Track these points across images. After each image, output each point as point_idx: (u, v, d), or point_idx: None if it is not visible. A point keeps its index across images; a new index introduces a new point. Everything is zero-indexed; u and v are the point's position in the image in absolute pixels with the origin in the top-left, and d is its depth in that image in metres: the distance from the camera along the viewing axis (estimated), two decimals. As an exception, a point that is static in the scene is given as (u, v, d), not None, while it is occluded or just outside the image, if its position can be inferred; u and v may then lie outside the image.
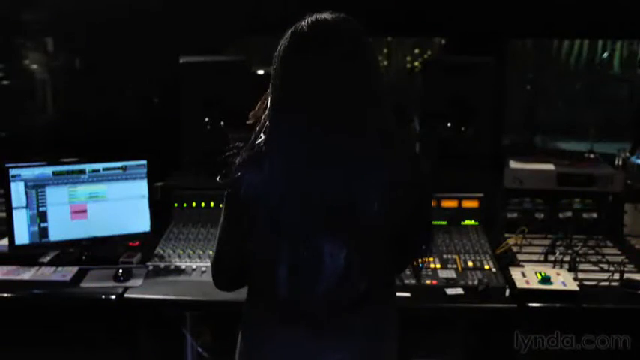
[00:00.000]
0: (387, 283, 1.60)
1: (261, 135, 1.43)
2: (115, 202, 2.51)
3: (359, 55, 1.38)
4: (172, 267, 2.40)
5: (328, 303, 1.42)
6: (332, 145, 1.34)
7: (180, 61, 2.84)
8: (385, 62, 4.70)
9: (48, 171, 2.43)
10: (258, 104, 1.51)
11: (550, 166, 2.77)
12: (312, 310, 1.43)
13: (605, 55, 4.42)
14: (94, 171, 2.49)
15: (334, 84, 1.35)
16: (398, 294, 2.11)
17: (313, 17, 1.39)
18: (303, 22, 1.39)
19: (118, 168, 2.52)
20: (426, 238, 1.55)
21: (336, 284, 1.38)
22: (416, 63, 4.52)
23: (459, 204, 2.72)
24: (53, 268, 2.38)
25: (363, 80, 1.38)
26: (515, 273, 2.26)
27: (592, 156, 2.90)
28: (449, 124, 2.84)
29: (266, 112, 1.46)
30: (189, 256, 2.47)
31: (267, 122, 1.42)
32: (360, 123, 1.36)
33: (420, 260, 1.58)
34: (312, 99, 1.35)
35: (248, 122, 1.55)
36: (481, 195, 2.73)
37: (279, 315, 1.47)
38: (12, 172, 2.39)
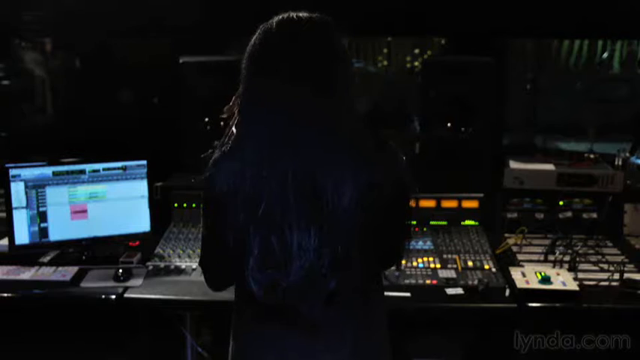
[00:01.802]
0: (369, 282, 1.57)
1: (233, 130, 1.44)
2: (115, 202, 2.51)
3: (326, 53, 1.40)
4: (172, 267, 2.40)
5: (303, 298, 1.40)
6: (300, 137, 1.35)
7: (180, 61, 2.84)
8: (385, 62, 4.70)
9: (48, 171, 2.43)
10: (233, 99, 1.52)
11: (550, 166, 2.77)
12: (286, 305, 1.42)
13: (605, 55, 4.42)
14: (94, 171, 2.49)
15: (300, 80, 1.36)
16: (398, 294, 2.12)
17: (284, 15, 1.42)
18: (272, 20, 1.43)
19: (118, 168, 2.52)
20: (402, 238, 1.55)
21: (306, 277, 1.37)
22: (416, 63, 4.51)
23: (459, 204, 2.73)
24: (53, 268, 2.38)
25: (328, 77, 1.39)
26: (515, 273, 2.26)
27: (592, 156, 2.90)
28: (449, 124, 2.84)
29: (237, 109, 1.48)
30: (189, 256, 2.47)
31: (238, 117, 1.45)
32: (327, 118, 1.37)
33: (396, 263, 1.58)
34: (278, 94, 1.36)
35: (222, 116, 1.55)
36: (481, 195, 2.73)
37: (258, 312, 1.47)
38: (12, 172, 2.39)
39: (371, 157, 1.41)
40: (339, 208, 1.35)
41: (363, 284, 1.52)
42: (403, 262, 1.57)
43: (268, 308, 1.44)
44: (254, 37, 1.44)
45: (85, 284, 2.27)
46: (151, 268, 2.39)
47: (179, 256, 2.47)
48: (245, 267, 1.39)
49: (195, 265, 2.39)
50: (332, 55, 1.42)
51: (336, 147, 1.36)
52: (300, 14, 1.42)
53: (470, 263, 2.40)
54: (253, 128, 1.39)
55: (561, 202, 2.71)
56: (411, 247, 2.49)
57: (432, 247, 2.53)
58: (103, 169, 2.50)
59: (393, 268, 1.60)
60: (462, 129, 2.84)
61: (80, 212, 2.48)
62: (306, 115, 1.36)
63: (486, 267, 2.37)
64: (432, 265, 2.38)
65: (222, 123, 1.52)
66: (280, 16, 1.43)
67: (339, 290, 1.42)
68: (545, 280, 2.17)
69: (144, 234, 2.56)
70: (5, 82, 3.74)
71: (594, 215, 2.69)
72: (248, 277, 1.39)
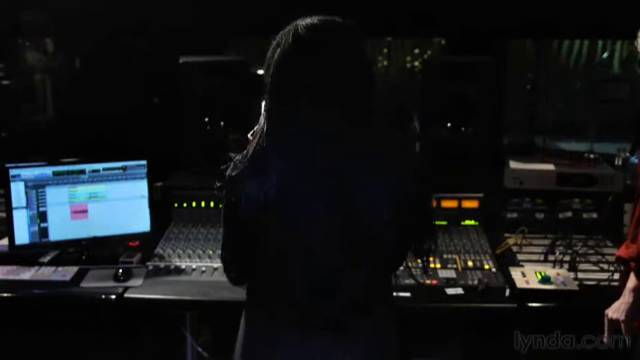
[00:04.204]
0: (389, 284, 1.61)
1: (259, 148, 1.40)
2: (115, 202, 2.51)
3: (355, 59, 1.38)
4: (172, 267, 2.40)
5: (344, 308, 1.43)
6: (338, 155, 1.33)
7: (180, 61, 2.84)
8: (385, 62, 4.70)
9: (48, 171, 2.43)
10: (256, 128, 1.49)
11: (550, 166, 2.77)
12: (327, 314, 1.44)
13: (605, 55, 4.42)
14: (94, 171, 2.49)
15: (333, 90, 1.34)
16: (398, 294, 2.12)
17: (305, 23, 1.37)
18: (295, 30, 1.37)
19: (118, 168, 2.52)
20: (430, 238, 1.55)
21: (354, 292, 1.41)
22: (416, 63, 4.52)
23: (459, 204, 2.72)
24: (53, 268, 2.38)
25: (361, 85, 1.37)
26: (515, 273, 2.26)
27: (592, 156, 2.90)
28: (449, 124, 2.84)
29: (261, 124, 1.43)
30: (189, 256, 2.47)
31: (263, 131, 1.40)
32: (362, 129, 1.36)
33: (426, 259, 1.58)
34: (312, 108, 1.33)
35: (250, 136, 1.53)
36: (481, 195, 2.72)
37: (290, 318, 1.48)
38: (12, 172, 2.39)
39: (400, 167, 1.41)
40: (378, 222, 1.36)
41: (387, 288, 1.56)
42: (419, 262, 1.58)
43: (302, 316, 1.45)
44: (277, 46, 1.38)
45: (85, 284, 2.27)
46: (151, 268, 2.39)
47: (179, 256, 2.47)
48: (288, 281, 1.41)
49: (195, 265, 2.39)
50: (363, 65, 1.39)
51: (368, 163, 1.35)
52: (324, 21, 1.38)
53: (470, 263, 2.40)
54: (282, 150, 1.35)
55: (564, 201, 2.70)
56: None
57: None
58: (103, 169, 2.50)
59: (420, 265, 1.60)
60: (462, 129, 2.84)
61: (80, 212, 2.48)
62: (336, 132, 1.33)
63: (486, 267, 2.37)
64: (432, 265, 2.38)
65: (249, 137, 1.48)
66: (303, 24, 1.37)
67: (374, 296, 1.46)
68: (545, 280, 2.17)
69: (144, 234, 2.56)
70: (5, 82, 3.74)
71: (594, 215, 2.69)
72: (295, 291, 1.41)
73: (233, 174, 1.40)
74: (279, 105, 1.38)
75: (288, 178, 1.34)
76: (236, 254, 1.53)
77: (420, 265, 1.57)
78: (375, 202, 1.35)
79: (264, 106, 1.41)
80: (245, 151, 1.43)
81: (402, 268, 1.60)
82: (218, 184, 1.45)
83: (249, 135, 1.47)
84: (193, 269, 2.37)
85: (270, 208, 1.35)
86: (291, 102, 1.36)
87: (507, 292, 2.16)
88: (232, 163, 1.43)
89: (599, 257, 2.41)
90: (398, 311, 1.63)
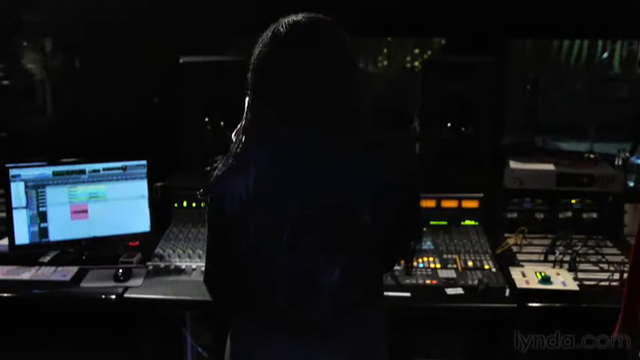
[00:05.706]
0: (377, 285, 1.59)
1: (240, 145, 1.39)
2: (115, 202, 2.51)
3: (336, 57, 1.36)
4: (172, 267, 2.40)
5: (323, 310, 1.41)
6: (317, 152, 1.31)
7: (180, 61, 2.84)
8: (385, 62, 4.70)
9: (48, 171, 2.43)
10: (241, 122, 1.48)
11: (550, 166, 2.77)
12: (306, 317, 1.42)
13: (605, 55, 4.42)
14: (94, 171, 2.49)
15: (313, 87, 1.32)
16: (398, 294, 2.13)
17: (289, 20, 1.36)
18: (278, 27, 1.36)
19: (118, 168, 2.52)
20: (414, 238, 1.54)
21: (332, 294, 1.38)
22: (416, 63, 4.51)
23: (459, 204, 2.73)
24: (53, 268, 2.38)
25: (341, 82, 1.35)
26: (515, 273, 2.26)
27: (592, 156, 2.90)
28: (449, 124, 2.84)
29: (243, 122, 1.42)
30: (189, 256, 2.47)
31: (245, 132, 1.39)
32: (342, 125, 1.34)
33: (409, 260, 1.58)
34: (292, 104, 1.32)
35: (234, 136, 1.52)
36: (481, 195, 2.73)
37: (273, 323, 1.46)
38: (12, 172, 2.39)
39: (386, 168, 1.39)
40: (360, 224, 1.34)
41: (374, 289, 1.54)
42: (402, 262, 1.56)
43: (283, 321, 1.44)
44: (259, 46, 1.37)
45: (85, 284, 2.27)
46: (151, 268, 2.39)
47: (179, 256, 2.47)
48: (267, 285, 1.39)
49: (195, 265, 2.39)
50: (346, 63, 1.37)
51: (353, 162, 1.33)
52: (306, 19, 1.35)
53: (470, 263, 2.40)
54: (266, 147, 1.33)
55: (565, 201, 2.70)
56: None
57: (431, 247, 2.53)
58: (103, 169, 2.50)
59: (399, 267, 1.59)
60: (462, 129, 2.84)
61: (80, 212, 2.48)
62: (324, 134, 1.31)
63: (486, 267, 2.37)
64: (432, 265, 2.38)
65: (232, 137, 1.46)
66: (285, 23, 1.35)
67: (358, 299, 1.44)
68: (545, 280, 2.17)
69: (144, 234, 2.56)
70: (5, 82, 3.74)
71: (594, 215, 2.69)
72: (272, 295, 1.39)
73: (218, 174, 1.39)
74: (259, 102, 1.37)
75: (266, 177, 1.32)
76: (220, 268, 1.50)
77: (403, 265, 1.57)
78: (356, 203, 1.33)
79: (247, 102, 1.40)
80: (228, 153, 1.42)
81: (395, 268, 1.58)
82: (201, 190, 1.42)
83: (232, 134, 1.46)
84: (193, 269, 2.37)
85: (251, 206, 1.33)
86: (270, 100, 1.35)
87: (507, 292, 2.16)
88: (216, 164, 1.42)
89: (599, 257, 2.41)
90: (389, 312, 1.61)
